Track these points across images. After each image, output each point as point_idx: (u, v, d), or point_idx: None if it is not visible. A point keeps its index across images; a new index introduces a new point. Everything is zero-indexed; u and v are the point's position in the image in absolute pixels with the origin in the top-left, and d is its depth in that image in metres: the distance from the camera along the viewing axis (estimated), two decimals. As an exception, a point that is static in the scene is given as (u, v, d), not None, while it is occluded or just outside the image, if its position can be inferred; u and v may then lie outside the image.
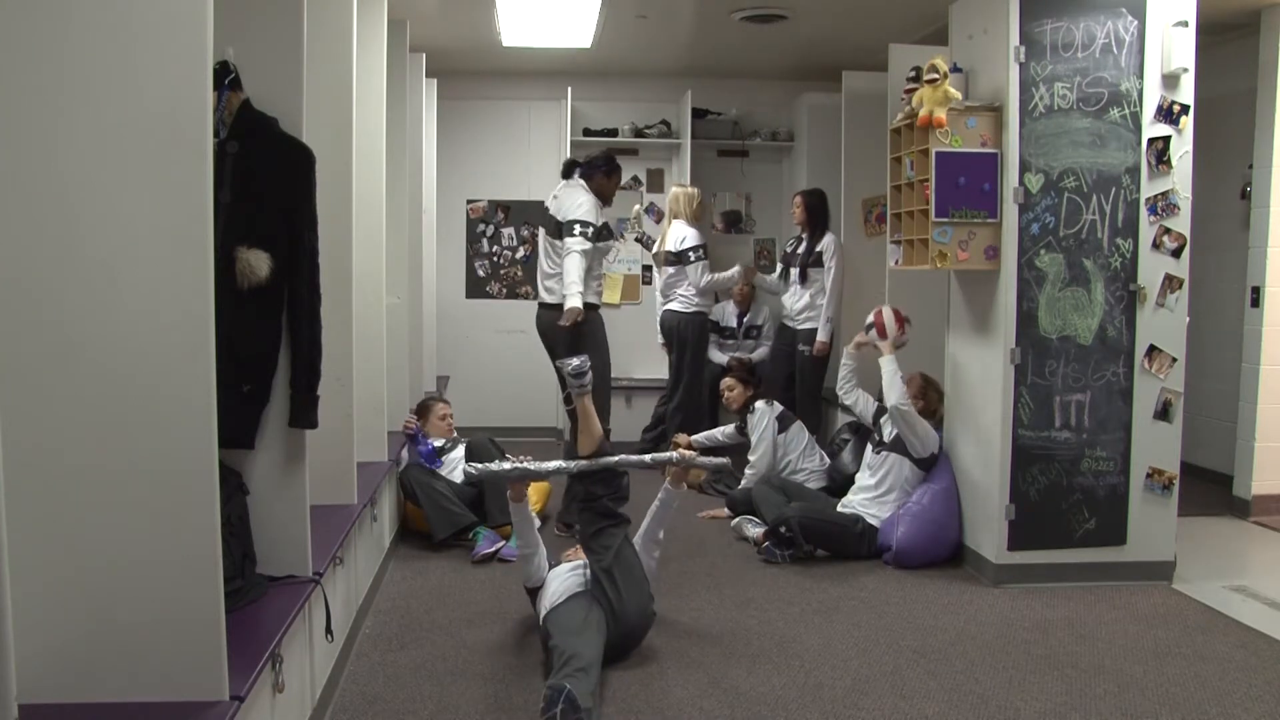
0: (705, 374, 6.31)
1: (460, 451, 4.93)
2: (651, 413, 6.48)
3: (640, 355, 7.13)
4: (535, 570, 3.48)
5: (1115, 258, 4.08)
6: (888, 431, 4.60)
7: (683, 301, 6.13)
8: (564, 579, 3.41)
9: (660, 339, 6.39)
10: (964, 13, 4.41)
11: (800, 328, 6.02)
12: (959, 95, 4.07)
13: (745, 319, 6.85)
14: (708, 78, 7.18)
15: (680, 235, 6.09)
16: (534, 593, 3.49)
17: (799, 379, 6.08)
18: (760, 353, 6.64)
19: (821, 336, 5.88)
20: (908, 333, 4.66)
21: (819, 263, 5.92)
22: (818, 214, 5.98)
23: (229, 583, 2.10)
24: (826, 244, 5.92)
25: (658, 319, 6.39)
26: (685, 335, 6.11)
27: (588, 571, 3.40)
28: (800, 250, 6.03)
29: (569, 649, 2.97)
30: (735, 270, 6.33)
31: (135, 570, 1.90)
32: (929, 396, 4.64)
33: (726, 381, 5.59)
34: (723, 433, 5.74)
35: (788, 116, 7.45)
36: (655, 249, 6.34)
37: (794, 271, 6.04)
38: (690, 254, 6.03)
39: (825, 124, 6.77)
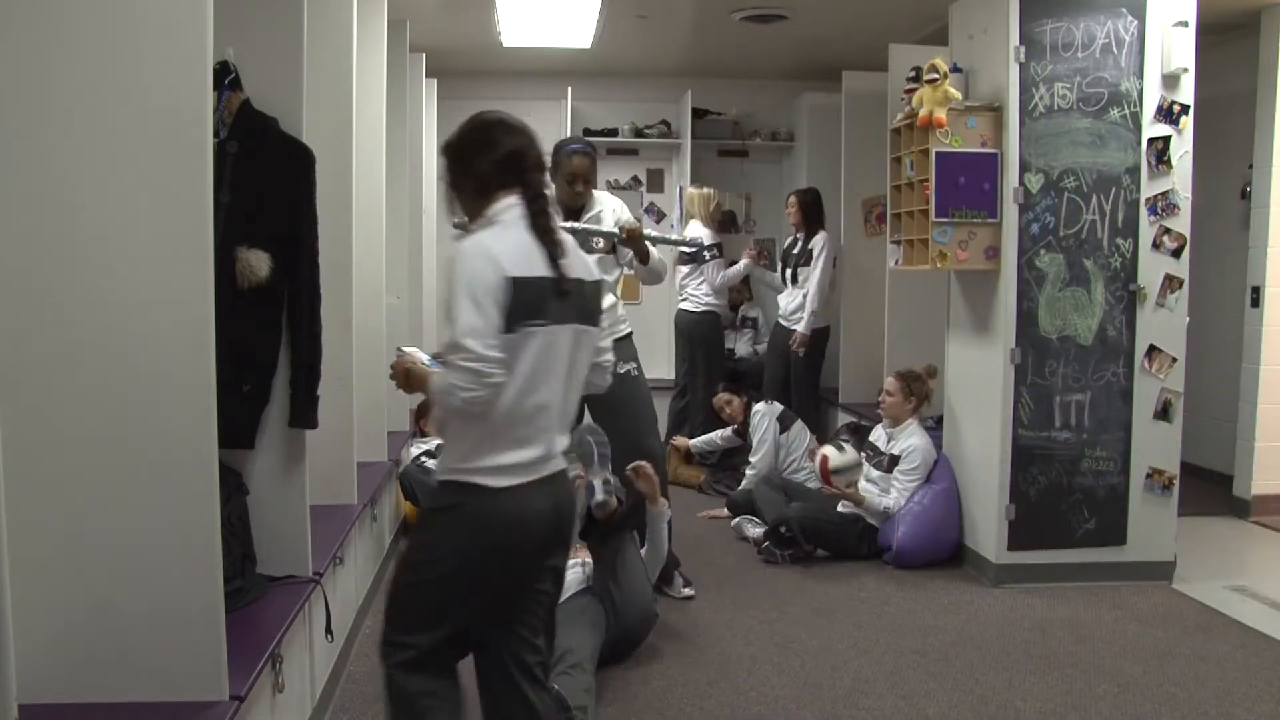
0: (723, 371, 6.31)
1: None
2: (666, 413, 6.48)
3: (641, 355, 7.10)
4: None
5: (1115, 258, 4.07)
6: (885, 445, 4.58)
7: (693, 301, 6.19)
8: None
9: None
10: (964, 13, 4.40)
11: (794, 328, 6.02)
12: (959, 95, 4.07)
13: (740, 310, 6.91)
14: (708, 78, 7.16)
15: (696, 235, 6.11)
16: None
17: (794, 378, 6.09)
18: (761, 348, 6.68)
19: (801, 328, 5.88)
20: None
21: (811, 261, 5.94)
22: (812, 212, 6.03)
23: (229, 583, 2.10)
24: (817, 241, 5.95)
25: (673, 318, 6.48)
26: (697, 334, 6.18)
27: (588, 569, 3.40)
28: (795, 250, 6.06)
29: (560, 646, 2.95)
30: (744, 263, 6.39)
31: (135, 570, 1.91)
32: (915, 390, 4.56)
33: (722, 398, 5.61)
34: (720, 436, 5.77)
35: (788, 116, 7.43)
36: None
37: (788, 271, 6.07)
38: (706, 253, 6.05)
39: (825, 124, 6.76)
